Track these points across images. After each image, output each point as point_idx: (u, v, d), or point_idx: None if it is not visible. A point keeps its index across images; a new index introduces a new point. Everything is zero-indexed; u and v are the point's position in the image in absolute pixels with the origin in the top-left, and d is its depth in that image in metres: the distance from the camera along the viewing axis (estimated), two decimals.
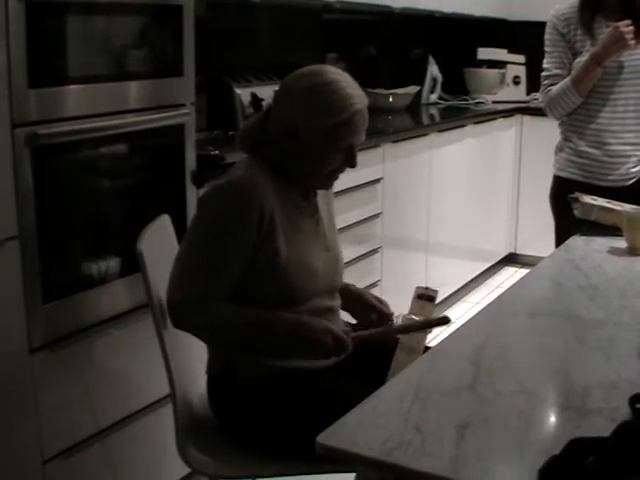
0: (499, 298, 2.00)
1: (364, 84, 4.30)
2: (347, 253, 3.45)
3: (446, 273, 4.30)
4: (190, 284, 1.77)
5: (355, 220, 3.51)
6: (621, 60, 2.68)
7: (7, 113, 1.86)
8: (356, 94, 1.82)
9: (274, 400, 1.87)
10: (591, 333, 1.76)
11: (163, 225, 2.05)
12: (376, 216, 3.67)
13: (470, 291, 4.71)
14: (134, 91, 2.22)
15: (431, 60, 4.97)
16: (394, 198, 3.75)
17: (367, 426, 1.33)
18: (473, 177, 4.56)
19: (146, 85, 2.26)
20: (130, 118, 2.18)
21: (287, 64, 3.76)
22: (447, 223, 4.29)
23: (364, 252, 3.62)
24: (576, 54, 2.73)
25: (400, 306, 2.10)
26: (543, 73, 2.82)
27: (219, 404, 1.93)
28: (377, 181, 3.62)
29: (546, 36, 2.79)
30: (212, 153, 2.58)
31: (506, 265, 5.21)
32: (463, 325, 1.82)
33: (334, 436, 1.29)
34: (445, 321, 1.97)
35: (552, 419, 1.36)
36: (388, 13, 4.26)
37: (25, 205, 1.94)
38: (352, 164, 1.87)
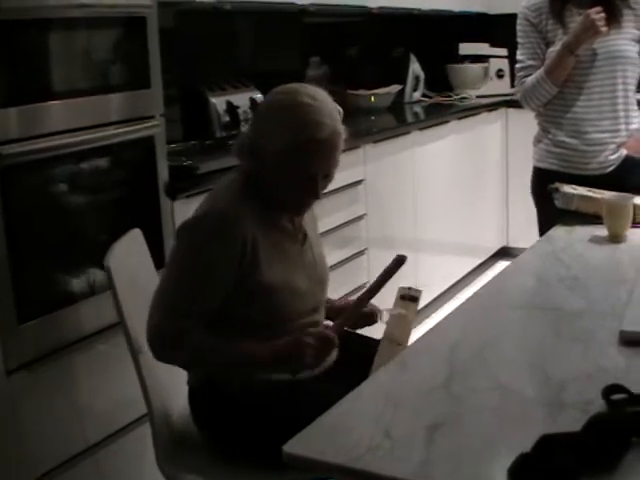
0: (477, 293, 1.98)
1: (347, 86, 4.40)
2: (332, 256, 3.45)
3: (437, 271, 4.28)
4: (169, 318, 1.73)
5: (339, 223, 3.48)
6: (594, 47, 2.65)
7: None
8: (323, 122, 1.70)
9: (257, 411, 1.84)
10: (570, 324, 1.73)
11: (134, 239, 2.02)
12: (360, 217, 3.65)
13: (464, 287, 4.68)
14: (100, 105, 2.20)
15: (412, 58, 4.95)
16: (378, 199, 3.73)
17: (335, 432, 1.31)
18: (459, 173, 4.54)
19: (112, 99, 2.25)
20: (97, 133, 2.16)
21: (266, 70, 3.82)
22: (435, 221, 4.27)
23: (350, 254, 3.60)
24: (549, 44, 2.70)
25: (389, 306, 2.06)
26: (517, 65, 2.80)
27: (200, 416, 1.90)
28: (359, 182, 3.60)
29: (518, 27, 2.77)
30: (185, 164, 2.56)
31: (500, 259, 5.18)
32: (439, 323, 1.80)
33: (301, 444, 1.27)
34: (401, 260, 1.93)
35: (526, 415, 1.33)
36: (367, 13, 4.25)
37: None
38: (311, 195, 1.78)
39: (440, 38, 5.23)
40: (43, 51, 2.04)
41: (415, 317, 2.13)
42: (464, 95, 5.08)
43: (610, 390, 1.33)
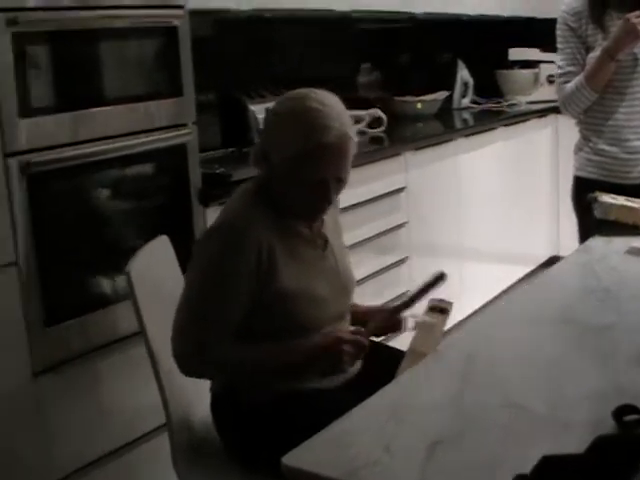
0: (502, 303, 1.94)
1: (395, 93, 4.38)
2: (372, 264, 3.44)
3: (483, 279, 4.22)
4: (192, 332, 1.73)
5: (379, 231, 3.47)
6: (635, 52, 2.60)
7: None
8: (331, 125, 1.69)
9: (278, 419, 1.83)
10: (594, 339, 1.68)
11: (160, 246, 2.03)
12: (401, 225, 3.62)
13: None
14: (132, 113, 2.23)
15: (460, 64, 4.89)
16: (419, 207, 3.70)
17: (336, 445, 1.30)
18: (507, 180, 4.47)
19: (145, 107, 2.27)
20: (129, 141, 2.19)
21: (311, 77, 3.81)
22: (480, 229, 4.21)
23: (390, 262, 3.57)
24: (589, 49, 2.65)
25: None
26: (557, 71, 2.75)
27: (222, 422, 1.90)
28: (400, 190, 3.57)
29: (557, 32, 2.72)
30: (218, 171, 2.57)
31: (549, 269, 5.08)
32: (457, 333, 1.77)
33: (299, 457, 1.26)
34: (441, 276, 1.90)
35: (534, 434, 1.30)
36: (413, 19, 4.23)
37: (22, 232, 1.96)
38: (324, 200, 1.77)
39: (489, 43, 5.16)
40: (76, 61, 2.08)
41: (443, 329, 2.11)
42: (514, 101, 5.00)
43: (622, 411, 1.29)
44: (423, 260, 3.77)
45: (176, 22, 2.31)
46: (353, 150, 1.77)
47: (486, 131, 4.25)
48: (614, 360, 1.56)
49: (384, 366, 1.90)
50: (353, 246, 3.31)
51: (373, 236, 3.43)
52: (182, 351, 1.72)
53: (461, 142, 4.00)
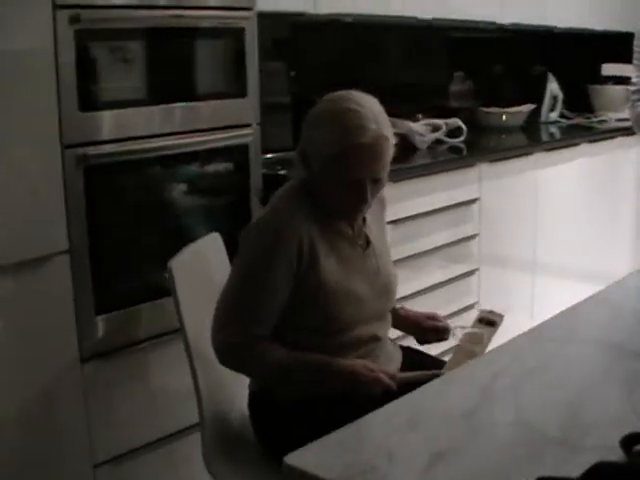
0: (543, 323, 1.90)
1: (485, 103, 4.34)
2: (440, 273, 3.42)
3: (557, 295, 4.12)
4: (232, 324, 1.76)
5: (449, 240, 3.44)
6: None
7: (57, 135, 1.97)
8: (368, 126, 1.72)
9: (313, 421, 1.83)
10: (625, 364, 1.63)
11: (211, 243, 2.07)
12: (472, 237, 3.58)
13: None
14: (194, 112, 2.28)
15: (551, 77, 4.80)
16: (492, 219, 3.65)
17: (340, 449, 1.30)
18: (588, 197, 4.36)
19: (208, 106, 2.32)
20: (188, 139, 2.24)
21: (391, 83, 3.84)
22: (556, 244, 4.12)
23: (459, 273, 3.54)
24: None
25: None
26: (630, 88, 2.67)
27: (258, 421, 1.93)
28: (473, 201, 3.54)
29: (635, 48, 2.65)
30: (279, 173, 2.60)
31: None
32: (491, 350, 1.75)
33: (301, 457, 1.27)
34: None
35: (539, 455, 1.28)
36: (503, 30, 4.19)
37: (76, 221, 2.03)
38: (361, 200, 1.78)
39: (582, 57, 5.05)
40: (138, 59, 2.14)
41: (489, 342, 2.08)
42: (604, 118, 4.87)
43: (633, 439, 1.25)
44: (493, 273, 3.72)
45: (243, 24, 2.35)
46: (390, 152, 1.79)
47: (568, 147, 4.15)
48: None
49: (423, 377, 1.90)
50: (422, 254, 3.30)
51: (443, 245, 3.42)
52: (221, 340, 1.76)
53: (540, 156, 3.92)
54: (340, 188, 1.77)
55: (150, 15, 2.11)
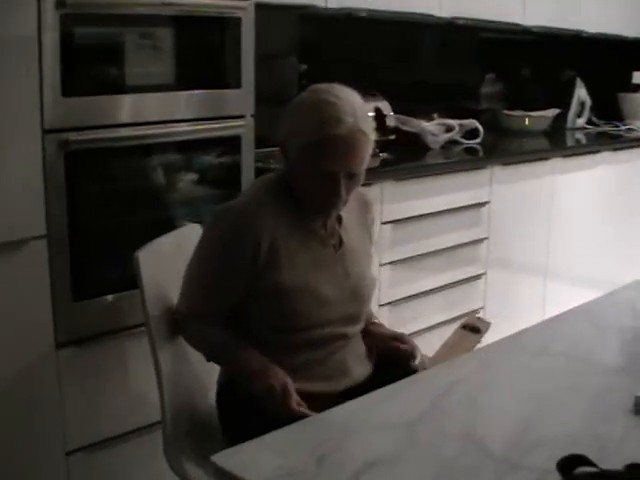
0: (519, 332, 1.85)
1: (512, 106, 4.26)
2: (446, 276, 3.37)
3: (572, 303, 4.03)
4: (190, 299, 1.82)
5: (457, 243, 3.39)
6: None
7: (38, 120, 1.96)
8: (343, 119, 1.69)
9: (279, 416, 1.82)
10: (593, 382, 1.57)
11: (189, 233, 2.04)
12: (480, 240, 3.52)
13: None
14: (183, 101, 2.26)
15: (579, 83, 4.71)
16: (502, 223, 3.58)
17: (272, 451, 1.28)
18: (607, 206, 4.25)
19: (198, 96, 2.29)
20: (172, 128, 2.22)
21: (402, 81, 3.79)
22: (572, 252, 4.03)
23: (465, 277, 3.48)
24: None
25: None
26: None
27: (224, 414, 1.91)
28: (483, 204, 3.48)
29: None
30: (272, 167, 2.57)
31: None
32: (461, 358, 1.71)
33: (228, 457, 1.25)
34: None
35: (475, 471, 1.23)
36: (529, 32, 4.13)
37: (56, 207, 2.02)
38: (334, 194, 1.75)
39: (613, 65, 4.93)
40: (128, 45, 2.12)
41: (471, 350, 2.03)
42: (632, 126, 4.76)
43: (572, 461, 1.19)
44: (501, 278, 3.66)
45: (240, 13, 2.32)
46: (368, 147, 1.76)
47: (589, 154, 4.06)
48: (603, 405, 1.46)
49: (394, 376, 1.86)
50: (429, 254, 3.26)
51: (450, 247, 3.37)
52: (178, 312, 1.82)
53: (557, 162, 3.84)
54: (314, 180, 1.74)
55: (140, 2, 2.09)
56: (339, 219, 1.89)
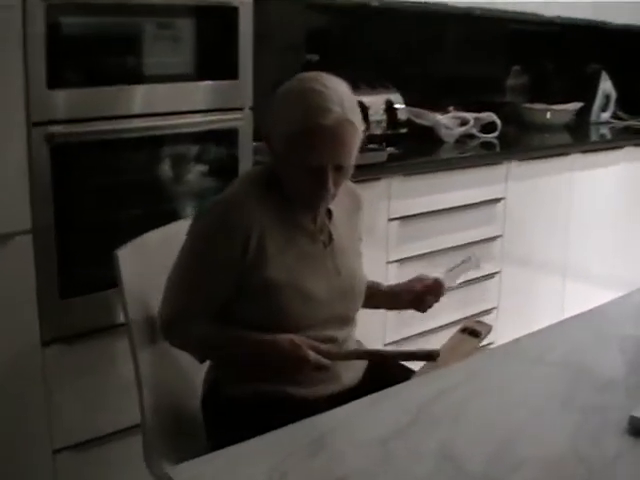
0: (516, 340, 1.77)
1: (535, 98, 4.16)
2: None
3: (592, 303, 3.93)
4: (174, 300, 1.73)
5: (471, 240, 3.30)
6: None
7: (23, 112, 1.91)
8: (330, 108, 1.62)
9: (264, 422, 1.75)
10: (586, 395, 1.48)
11: (179, 230, 1.99)
12: (495, 238, 3.42)
13: None
14: (176, 93, 2.19)
15: (604, 76, 4.58)
16: (518, 220, 3.48)
17: (233, 464, 1.22)
18: (630, 204, 4.13)
19: (196, 87, 2.23)
20: (164, 121, 2.15)
21: (415, 74, 3.69)
22: (591, 250, 3.92)
23: (479, 275, 3.38)
24: None
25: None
26: None
27: (208, 417, 1.85)
28: (497, 200, 3.38)
29: None
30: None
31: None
32: (453, 366, 1.63)
33: (185, 470, 1.19)
34: (432, 356, 1.76)
35: None
36: (553, 24, 4.02)
37: (41, 201, 1.97)
38: (321, 186, 1.67)
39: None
40: (115, 36, 2.06)
41: (471, 352, 1.96)
42: None
43: None
44: (516, 277, 3.56)
45: (236, 2, 2.24)
46: (356, 139, 1.68)
47: (610, 149, 3.94)
48: (596, 422, 1.37)
49: (387, 381, 1.79)
50: (441, 251, 3.17)
51: (464, 244, 3.27)
52: (163, 316, 1.73)
53: (577, 158, 3.73)
54: (301, 173, 1.67)
55: None
56: (329, 214, 1.82)
